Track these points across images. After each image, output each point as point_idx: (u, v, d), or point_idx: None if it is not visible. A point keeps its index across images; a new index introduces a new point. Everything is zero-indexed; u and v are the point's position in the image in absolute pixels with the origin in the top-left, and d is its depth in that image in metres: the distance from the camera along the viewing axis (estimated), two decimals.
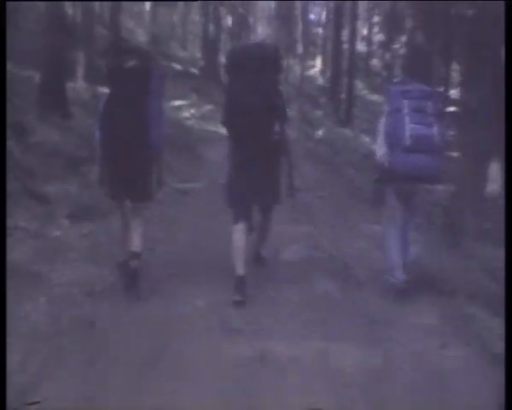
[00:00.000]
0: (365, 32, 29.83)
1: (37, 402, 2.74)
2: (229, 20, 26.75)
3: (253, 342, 3.53)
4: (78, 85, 11.15)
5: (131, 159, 3.90)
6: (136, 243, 4.11)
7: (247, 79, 4.06)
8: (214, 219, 6.25)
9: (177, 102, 14.06)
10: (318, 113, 17.21)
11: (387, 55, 21.84)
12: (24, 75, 9.56)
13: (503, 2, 4.08)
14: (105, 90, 4.14)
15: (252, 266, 4.53)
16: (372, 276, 4.89)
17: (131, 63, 3.87)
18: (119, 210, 4.31)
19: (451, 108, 13.25)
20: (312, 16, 29.87)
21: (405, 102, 4.08)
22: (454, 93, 16.13)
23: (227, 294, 4.15)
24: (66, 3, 11.76)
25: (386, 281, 4.43)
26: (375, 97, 25.52)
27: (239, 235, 4.19)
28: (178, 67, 20.53)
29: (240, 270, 4.14)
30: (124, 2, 20.28)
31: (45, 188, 5.82)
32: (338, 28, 21.51)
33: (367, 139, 16.00)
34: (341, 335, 3.77)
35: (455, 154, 6.76)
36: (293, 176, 4.36)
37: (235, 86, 4.14)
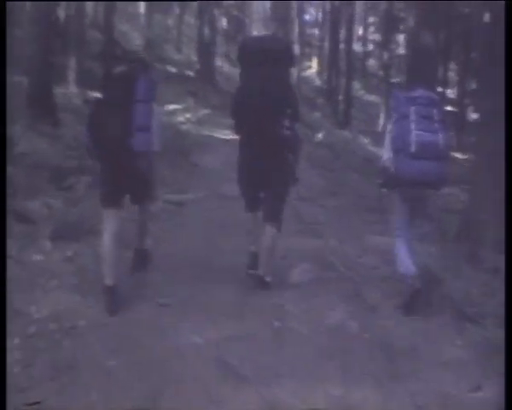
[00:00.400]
0: (361, 32, 29.32)
1: (38, 402, 2.67)
2: (224, 23, 26.22)
3: (258, 388, 3.01)
4: (69, 91, 10.60)
5: (121, 164, 3.83)
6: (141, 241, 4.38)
7: (258, 70, 4.01)
8: (212, 234, 5.72)
9: (172, 106, 13.47)
10: (316, 115, 16.68)
11: (385, 55, 21.35)
12: (12, 81, 8.99)
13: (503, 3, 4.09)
14: (97, 95, 3.99)
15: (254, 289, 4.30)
16: (385, 297, 4.42)
17: (120, 68, 3.83)
18: (111, 221, 4.02)
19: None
20: (308, 17, 29.36)
21: (412, 108, 4.07)
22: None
23: (225, 330, 3.65)
24: (57, 6, 11.23)
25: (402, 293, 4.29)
26: (372, 98, 25.07)
27: (252, 225, 4.45)
28: (173, 70, 19.93)
29: (252, 247, 4.43)
30: (118, 6, 19.76)
31: (27, 204, 5.24)
32: (334, 29, 21.05)
33: (366, 141, 15.53)
34: (359, 374, 3.27)
35: (471, 158, 6.26)
36: (296, 167, 4.30)
37: (246, 77, 4.10)
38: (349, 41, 18.25)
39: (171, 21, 26.27)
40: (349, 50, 18.02)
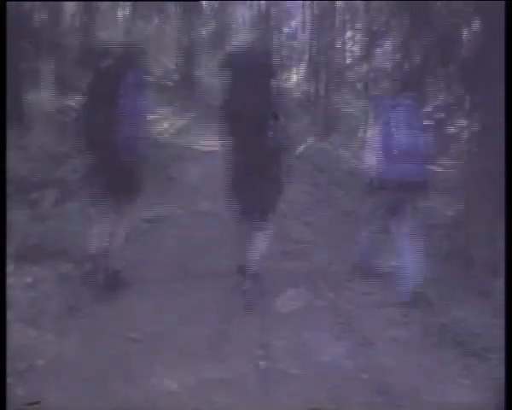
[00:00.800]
0: (339, 44, 29.07)
1: (38, 402, 2.63)
2: (204, 33, 25.73)
3: None
4: (41, 97, 9.96)
5: (108, 159, 3.80)
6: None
7: (240, 83, 3.99)
8: (189, 256, 5.20)
9: (150, 116, 12.86)
10: (297, 126, 16.22)
11: (365, 67, 21.02)
12: None
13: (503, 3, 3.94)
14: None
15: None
16: (381, 328, 3.98)
17: (107, 63, 3.81)
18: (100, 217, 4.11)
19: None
20: (287, 29, 29.00)
21: (392, 114, 4.18)
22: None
23: (204, 372, 3.14)
24: (29, 8, 10.63)
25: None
26: (351, 110, 24.69)
27: (237, 236, 4.30)
28: (152, 79, 19.35)
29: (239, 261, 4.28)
30: (97, 12, 19.16)
31: None
32: (314, 41, 20.72)
33: (347, 154, 15.09)
34: None
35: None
36: (283, 177, 4.27)
37: (229, 91, 4.07)
38: (331, 53, 17.83)
39: (151, 30, 25.69)
40: (330, 62, 17.58)
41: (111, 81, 3.75)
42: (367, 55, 24.57)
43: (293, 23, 30.04)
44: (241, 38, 32.43)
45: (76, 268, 4.36)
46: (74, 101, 10.53)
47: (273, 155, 4.11)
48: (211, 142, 12.14)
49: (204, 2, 21.95)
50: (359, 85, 28.54)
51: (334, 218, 6.98)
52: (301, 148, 12.42)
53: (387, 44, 24.90)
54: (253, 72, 4.06)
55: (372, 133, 4.40)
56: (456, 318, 4.07)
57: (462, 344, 3.75)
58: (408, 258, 4.36)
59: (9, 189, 5.31)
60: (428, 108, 7.76)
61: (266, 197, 4.19)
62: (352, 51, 29.31)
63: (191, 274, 4.68)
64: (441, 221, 6.24)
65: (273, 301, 4.22)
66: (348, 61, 28.83)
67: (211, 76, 24.92)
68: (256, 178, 4.08)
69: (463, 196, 5.62)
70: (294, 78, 27.02)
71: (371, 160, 4.29)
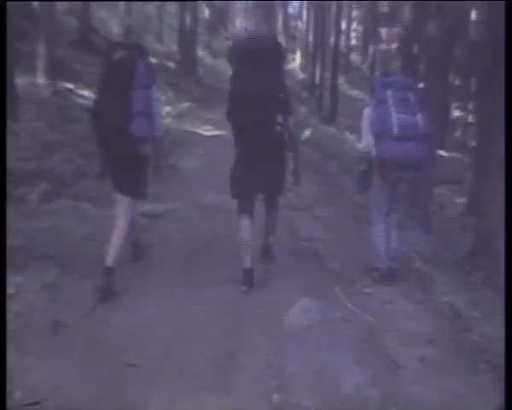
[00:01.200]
0: (344, 26, 28.31)
1: (38, 402, 2.54)
2: (206, 13, 25.02)
3: None
4: (36, 81, 9.41)
5: (122, 151, 3.78)
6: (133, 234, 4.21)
7: (249, 70, 3.93)
8: (193, 255, 4.70)
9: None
10: (302, 109, 15.65)
11: (372, 49, 20.41)
12: None
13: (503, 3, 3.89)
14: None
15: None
16: (407, 346, 3.49)
17: (119, 54, 3.79)
18: (119, 204, 4.00)
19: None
20: (291, 9, 28.27)
21: (389, 92, 4.11)
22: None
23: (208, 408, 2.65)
24: None
25: (372, 270, 4.47)
26: (356, 93, 24.09)
27: (243, 229, 4.07)
28: (154, 60, 18.68)
29: (247, 263, 4.06)
30: None
31: None
32: (318, 22, 20.05)
33: (352, 138, 14.57)
34: None
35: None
36: (298, 165, 4.26)
37: (237, 78, 4.01)
38: (336, 34, 17.19)
39: (151, 10, 24.94)
40: (336, 44, 16.95)
41: (124, 71, 3.73)
42: (372, 35, 23.92)
43: (296, 3, 29.30)
44: (243, 18, 31.66)
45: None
46: (71, 84, 10.11)
47: (283, 140, 4.06)
48: (214, 125, 11.78)
49: None
50: (364, 67, 27.97)
51: (346, 211, 6.47)
52: (307, 132, 11.90)
53: (392, 25, 24.16)
54: (262, 55, 3.96)
55: (368, 112, 4.28)
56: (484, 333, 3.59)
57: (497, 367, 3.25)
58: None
59: None
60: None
61: (275, 183, 4.18)
62: (357, 31, 28.70)
63: (194, 279, 4.18)
64: None
65: (284, 314, 3.71)
66: (353, 42, 28.23)
67: (213, 57, 24.38)
68: (266, 162, 4.03)
69: None
70: (298, 59, 26.42)
71: (368, 139, 4.24)
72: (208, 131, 11.15)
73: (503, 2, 3.83)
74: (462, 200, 11.76)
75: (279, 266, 4.58)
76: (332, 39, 18.85)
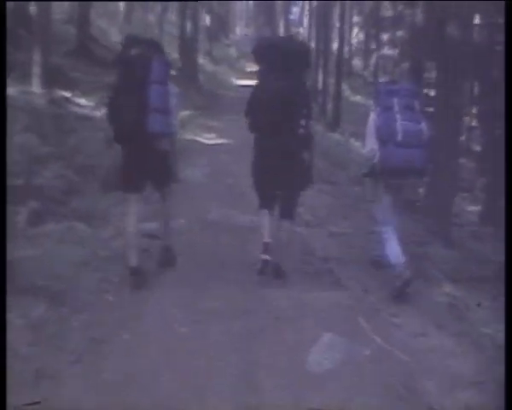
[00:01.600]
0: (345, 32, 27.81)
1: (38, 402, 2.46)
2: (207, 20, 24.55)
3: None
4: (31, 90, 8.89)
5: (139, 147, 3.72)
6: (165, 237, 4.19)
7: (275, 71, 3.92)
8: (200, 286, 4.14)
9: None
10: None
11: (374, 55, 19.92)
12: None
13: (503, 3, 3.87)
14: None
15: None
16: (446, 389, 2.94)
17: (135, 51, 3.75)
18: (133, 205, 3.95)
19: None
20: (292, 17, 27.72)
21: (395, 100, 4.11)
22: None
23: None
24: None
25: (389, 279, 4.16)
26: (359, 98, 23.55)
27: (263, 223, 4.14)
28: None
29: (267, 238, 4.09)
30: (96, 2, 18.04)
31: None
32: (320, 28, 19.55)
33: (357, 144, 14.05)
34: None
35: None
36: (312, 166, 4.19)
37: (263, 77, 4.01)
38: (340, 40, 16.71)
39: (152, 18, 24.48)
40: (339, 50, 16.46)
41: (140, 67, 3.68)
42: (374, 40, 23.40)
43: (296, 9, 28.75)
44: (244, 25, 31.21)
45: None
46: (67, 93, 9.60)
47: (307, 141, 4.04)
48: (216, 134, 11.25)
49: None
50: (366, 72, 27.45)
51: (361, 225, 5.92)
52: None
53: (394, 31, 23.66)
54: (289, 58, 3.94)
55: (373, 118, 4.22)
56: None
57: None
58: None
59: None
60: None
61: (299, 180, 4.10)
62: (358, 37, 28.17)
63: (201, 313, 3.64)
64: None
65: (303, 353, 3.16)
66: (355, 47, 27.73)
67: (214, 64, 23.90)
68: (286, 163, 3.98)
69: None
70: None
71: (372, 144, 4.18)
72: (211, 139, 10.62)
73: (503, 3, 3.77)
74: (473, 208, 11.25)
75: (294, 291, 4.04)
76: (334, 45, 18.31)
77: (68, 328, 3.29)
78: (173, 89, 3.89)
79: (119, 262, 4.13)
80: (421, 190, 7.74)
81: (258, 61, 4.11)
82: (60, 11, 16.56)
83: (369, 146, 4.24)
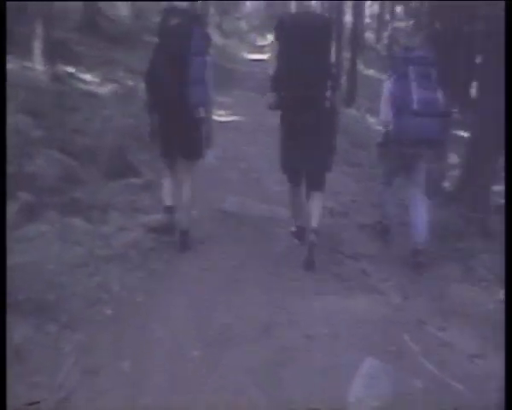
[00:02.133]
0: (358, 4, 26.68)
1: (38, 402, 2.28)
2: None
3: None
4: (33, 66, 8.21)
5: (178, 116, 3.69)
6: (185, 200, 3.95)
7: (299, 46, 3.78)
8: (215, 290, 3.52)
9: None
10: None
11: (388, 28, 18.93)
12: None
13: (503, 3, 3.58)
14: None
15: None
16: None
17: (176, 21, 3.70)
18: (169, 169, 4.00)
19: None
20: None
21: (410, 68, 3.95)
22: None
23: None
24: None
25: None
26: (372, 72, 22.60)
27: (293, 197, 4.16)
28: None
29: (298, 222, 4.18)
30: None
31: None
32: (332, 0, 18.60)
33: (372, 121, 13.28)
34: None
35: None
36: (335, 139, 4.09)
37: (287, 53, 3.84)
38: (355, 14, 15.78)
39: None
40: (355, 23, 15.55)
41: (180, 37, 3.62)
42: (388, 13, 22.36)
43: None
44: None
45: None
46: (72, 68, 8.91)
47: (333, 114, 3.95)
48: (229, 110, 10.55)
49: None
50: (379, 46, 26.40)
51: None
52: None
53: (408, 2, 22.61)
54: (313, 32, 3.82)
55: (388, 86, 4.11)
56: None
57: None
58: None
59: None
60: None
61: (326, 153, 4.00)
62: (372, 10, 27.07)
63: (215, 321, 3.01)
64: None
65: (347, 380, 2.53)
66: (368, 20, 26.64)
67: (224, 38, 22.99)
68: (314, 137, 3.89)
69: None
70: None
71: (387, 113, 4.07)
72: (223, 116, 9.90)
73: (503, 3, 3.53)
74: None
75: (322, 299, 3.42)
76: (346, 18, 17.38)
77: (57, 352, 2.68)
78: (210, 59, 3.80)
79: (121, 263, 3.52)
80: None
81: (280, 37, 3.91)
82: None
83: (383, 115, 4.15)
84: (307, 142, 3.91)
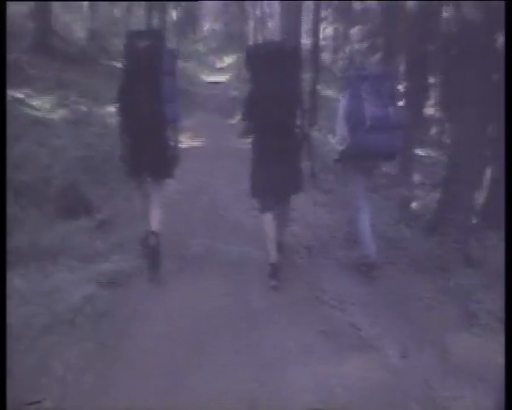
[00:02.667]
0: (313, 26, 26.64)
1: (38, 402, 2.32)
2: (174, 15, 23.00)
3: None
4: None
5: (149, 135, 3.70)
6: (154, 222, 3.77)
7: (270, 74, 3.79)
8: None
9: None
10: None
11: (342, 49, 18.76)
12: None
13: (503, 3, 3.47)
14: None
15: None
16: None
17: (143, 43, 3.69)
18: (138, 189, 3.96)
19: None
20: (262, 11, 26.30)
21: (364, 85, 4.00)
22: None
23: None
24: None
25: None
26: (330, 93, 22.43)
27: (267, 224, 3.95)
28: (119, 64, 16.62)
29: (273, 258, 3.90)
30: None
31: None
32: (291, 23, 18.33)
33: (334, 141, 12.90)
34: None
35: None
36: (314, 163, 4.32)
37: (257, 82, 3.86)
38: (314, 35, 15.46)
39: (118, 13, 22.80)
40: (315, 44, 15.21)
41: (149, 59, 3.65)
42: (343, 34, 22.25)
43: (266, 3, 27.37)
44: (212, 20, 29.64)
45: None
46: (21, 93, 8.12)
47: (300, 141, 3.93)
48: (190, 134, 9.92)
49: None
50: (335, 67, 26.32)
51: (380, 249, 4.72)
52: None
53: (363, 24, 22.57)
54: (282, 60, 3.83)
55: (343, 104, 4.11)
56: None
57: None
58: None
59: None
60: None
61: (294, 183, 3.99)
62: (326, 32, 27.01)
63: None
64: None
65: None
66: (323, 42, 26.57)
67: (182, 60, 22.40)
68: (285, 163, 3.87)
69: None
70: None
71: (343, 130, 4.08)
72: (184, 142, 9.26)
73: (503, 3, 3.46)
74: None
75: (310, 367, 2.82)
76: (303, 40, 17.10)
77: None
78: (178, 78, 3.87)
79: (66, 334, 2.83)
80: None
81: (251, 65, 3.92)
82: (19, 2, 14.86)
83: (339, 132, 4.17)
84: (280, 169, 3.87)
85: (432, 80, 21.04)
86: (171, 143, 3.84)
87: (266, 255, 3.87)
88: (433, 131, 20.31)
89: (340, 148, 4.15)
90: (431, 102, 20.81)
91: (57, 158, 5.22)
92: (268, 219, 3.93)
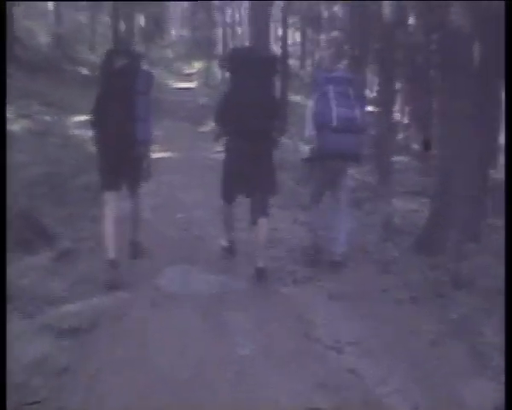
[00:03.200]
0: (280, 32, 26.35)
1: (38, 402, 2.28)
2: (141, 21, 22.32)
3: None
4: None
5: (123, 151, 3.69)
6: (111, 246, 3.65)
7: (246, 79, 3.80)
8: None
9: (84, 117, 9.54)
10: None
11: (310, 55, 18.50)
12: None
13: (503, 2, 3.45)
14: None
15: None
16: None
17: (120, 62, 3.73)
18: (112, 202, 3.79)
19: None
20: (228, 18, 25.82)
21: (330, 87, 4.04)
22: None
23: None
24: None
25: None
26: (298, 99, 22.12)
27: (227, 217, 4.16)
28: (85, 71, 15.86)
29: (230, 236, 4.25)
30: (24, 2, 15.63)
31: None
32: (258, 27, 17.95)
33: (306, 149, 12.52)
34: None
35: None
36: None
37: (234, 85, 3.88)
38: (283, 42, 15.08)
39: (83, 19, 21.95)
40: (284, 51, 14.82)
41: (125, 77, 3.66)
42: (310, 41, 22.03)
43: (232, 9, 26.89)
44: (179, 26, 29.00)
45: None
46: None
47: (274, 146, 3.90)
48: (157, 145, 9.36)
49: None
50: (303, 73, 26.12)
51: (365, 267, 4.30)
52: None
53: (330, 30, 22.40)
54: (259, 65, 3.85)
55: (311, 105, 4.13)
56: None
57: None
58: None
59: None
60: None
61: (267, 187, 3.94)
62: (294, 38, 26.77)
63: None
64: None
65: None
66: (291, 48, 26.28)
67: (150, 66, 21.73)
68: (258, 167, 3.80)
69: None
70: None
71: (310, 130, 4.10)
72: (154, 152, 8.69)
73: (503, 3, 3.45)
74: None
75: None
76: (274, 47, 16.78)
77: None
78: (152, 97, 3.85)
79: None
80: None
81: (233, 67, 3.92)
82: None
83: (307, 132, 4.19)
84: (253, 171, 3.83)
85: (399, 86, 20.99)
86: (142, 159, 3.84)
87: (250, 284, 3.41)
88: (400, 136, 20.24)
89: (308, 147, 4.21)
90: (398, 107, 20.76)
91: (15, 179, 4.62)
92: (228, 214, 4.13)
